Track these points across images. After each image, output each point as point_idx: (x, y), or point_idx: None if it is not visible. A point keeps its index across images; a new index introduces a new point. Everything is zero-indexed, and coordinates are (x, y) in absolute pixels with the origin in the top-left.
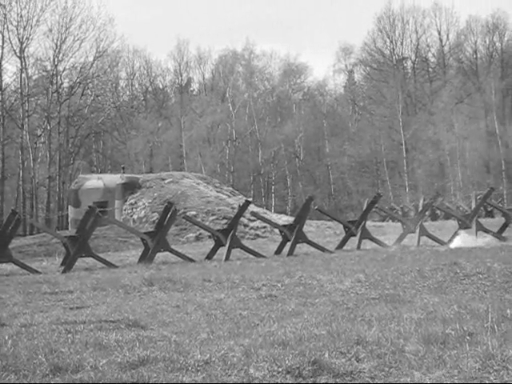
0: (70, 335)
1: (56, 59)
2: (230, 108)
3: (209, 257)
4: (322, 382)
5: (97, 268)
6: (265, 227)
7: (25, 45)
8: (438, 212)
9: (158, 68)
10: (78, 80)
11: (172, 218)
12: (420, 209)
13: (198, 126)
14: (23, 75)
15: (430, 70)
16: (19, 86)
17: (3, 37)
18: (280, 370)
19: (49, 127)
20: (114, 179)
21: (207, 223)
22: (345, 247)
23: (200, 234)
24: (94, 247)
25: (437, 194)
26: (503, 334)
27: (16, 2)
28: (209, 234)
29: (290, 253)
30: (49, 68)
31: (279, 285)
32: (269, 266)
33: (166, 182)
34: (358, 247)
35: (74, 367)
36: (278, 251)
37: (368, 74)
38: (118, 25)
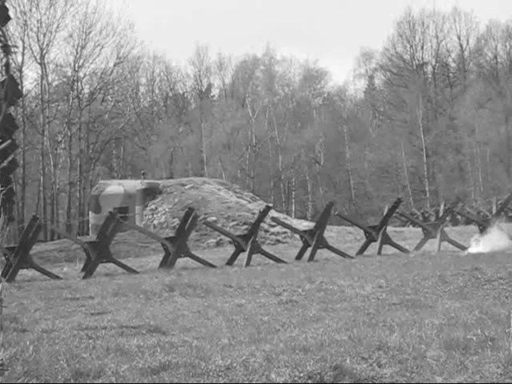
0: (91, 341)
1: (76, 65)
2: (250, 113)
3: (229, 262)
4: None
5: (118, 273)
6: (285, 233)
7: (45, 51)
8: (459, 217)
9: (178, 74)
10: (99, 86)
11: (192, 223)
12: (441, 214)
13: (218, 131)
14: (44, 81)
15: (451, 75)
16: (40, 92)
17: (23, 43)
18: (301, 375)
19: (69, 133)
20: (135, 185)
21: (228, 229)
22: (365, 252)
23: (220, 239)
24: (115, 253)
25: (457, 199)
26: None
27: (36, 9)
28: (229, 239)
29: (311, 258)
30: (69, 74)
31: (300, 290)
32: (289, 272)
33: (187, 187)
34: (379, 252)
35: (95, 372)
36: (299, 256)
37: (388, 79)
38: (138, 31)
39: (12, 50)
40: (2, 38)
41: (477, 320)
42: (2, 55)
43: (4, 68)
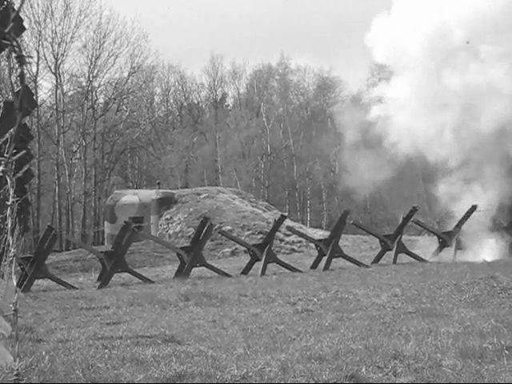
0: (106, 350)
1: (91, 75)
2: (265, 123)
3: (245, 271)
4: None
5: (133, 283)
6: (300, 242)
7: (60, 61)
8: None
9: (192, 83)
10: (113, 96)
11: (208, 232)
12: (456, 222)
13: (233, 140)
14: (58, 91)
15: None
16: (54, 102)
17: (38, 53)
18: None
19: (84, 143)
20: (150, 194)
21: (243, 238)
22: (381, 261)
23: (236, 248)
24: (130, 262)
25: (473, 207)
26: None
27: (50, 19)
28: (244, 248)
29: (326, 267)
30: (84, 84)
31: (315, 299)
32: (305, 281)
33: (202, 197)
34: (394, 261)
35: (111, 382)
36: (314, 266)
37: None
38: (152, 40)
39: (27, 60)
40: (17, 49)
41: (493, 328)
42: (17, 66)
43: (19, 78)
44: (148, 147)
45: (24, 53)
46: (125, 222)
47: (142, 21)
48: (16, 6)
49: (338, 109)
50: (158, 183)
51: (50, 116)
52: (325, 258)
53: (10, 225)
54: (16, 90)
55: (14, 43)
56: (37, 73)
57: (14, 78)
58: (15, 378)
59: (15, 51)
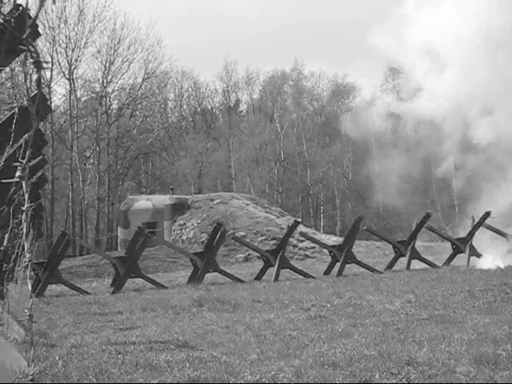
0: (120, 356)
1: (105, 81)
2: (279, 128)
3: (258, 277)
4: None
5: (146, 289)
6: (314, 248)
7: (73, 67)
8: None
9: (206, 89)
10: (127, 101)
11: (221, 238)
12: (469, 229)
13: (247, 146)
14: (72, 97)
15: None
16: (68, 107)
17: (52, 59)
18: None
19: (98, 148)
20: (163, 200)
21: (256, 244)
22: (394, 267)
23: (249, 254)
24: (144, 268)
25: (486, 213)
26: None
27: (64, 25)
28: (258, 254)
29: (340, 273)
30: (98, 89)
31: (329, 305)
32: (318, 287)
33: (215, 202)
34: (408, 267)
35: None
36: (327, 272)
37: None
38: (166, 46)
39: (44, 65)
40: (34, 55)
41: (506, 335)
42: (34, 71)
43: (36, 84)
44: (161, 153)
45: (41, 58)
46: (138, 227)
47: (157, 26)
48: (31, 12)
49: (355, 113)
50: (172, 189)
51: (64, 121)
52: (338, 264)
53: (24, 230)
54: (31, 95)
55: (31, 48)
56: (51, 78)
57: (28, 84)
58: (29, 382)
59: (32, 57)
